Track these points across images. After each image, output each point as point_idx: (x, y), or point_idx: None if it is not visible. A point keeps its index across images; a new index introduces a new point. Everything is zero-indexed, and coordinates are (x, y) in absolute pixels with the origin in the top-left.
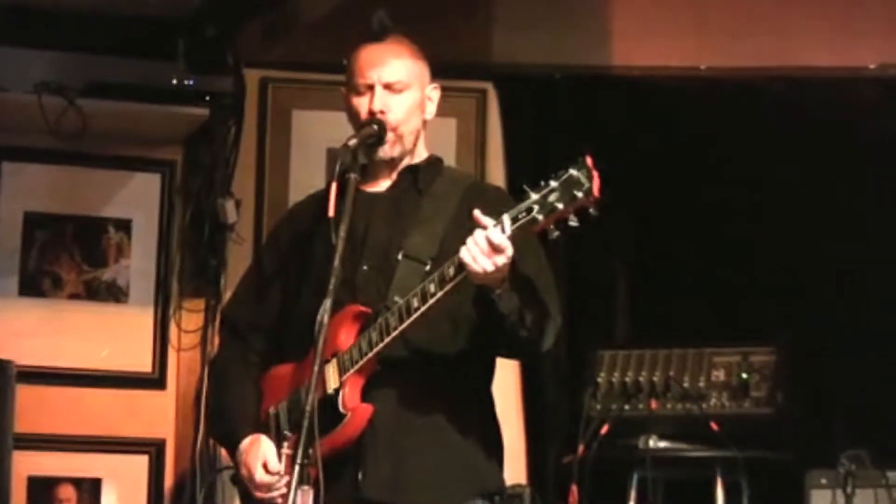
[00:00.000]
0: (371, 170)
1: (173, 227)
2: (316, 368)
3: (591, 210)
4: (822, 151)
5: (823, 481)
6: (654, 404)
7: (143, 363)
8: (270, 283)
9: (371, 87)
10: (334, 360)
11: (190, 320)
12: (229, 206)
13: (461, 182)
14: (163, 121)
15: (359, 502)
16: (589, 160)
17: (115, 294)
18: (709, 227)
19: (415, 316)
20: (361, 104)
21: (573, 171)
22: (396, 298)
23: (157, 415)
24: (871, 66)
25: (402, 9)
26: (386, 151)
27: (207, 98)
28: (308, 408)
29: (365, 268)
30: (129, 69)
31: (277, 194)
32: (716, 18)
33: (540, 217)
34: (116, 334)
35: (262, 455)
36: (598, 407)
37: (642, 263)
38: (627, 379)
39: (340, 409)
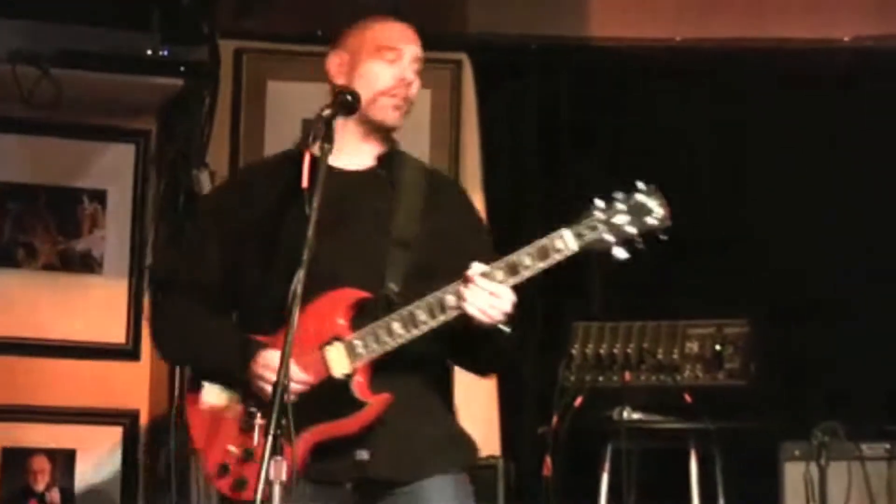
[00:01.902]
0: (343, 146)
1: (148, 197)
2: (290, 338)
3: (660, 236)
4: (796, 123)
5: (797, 453)
6: (628, 376)
7: (117, 334)
8: (217, 255)
9: (401, 57)
10: (340, 346)
11: None
12: (204, 176)
13: (419, 168)
14: (137, 91)
15: (361, 481)
16: (659, 190)
17: (89, 265)
18: (683, 199)
19: (449, 315)
20: (386, 69)
21: (642, 198)
22: (391, 285)
23: (131, 386)
24: (846, 39)
25: None
26: (397, 118)
27: (182, 68)
28: (284, 379)
29: (347, 252)
30: (104, 39)
31: None
32: None
33: (609, 238)
34: (90, 305)
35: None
36: (573, 378)
37: None
38: (602, 351)
39: (358, 397)
